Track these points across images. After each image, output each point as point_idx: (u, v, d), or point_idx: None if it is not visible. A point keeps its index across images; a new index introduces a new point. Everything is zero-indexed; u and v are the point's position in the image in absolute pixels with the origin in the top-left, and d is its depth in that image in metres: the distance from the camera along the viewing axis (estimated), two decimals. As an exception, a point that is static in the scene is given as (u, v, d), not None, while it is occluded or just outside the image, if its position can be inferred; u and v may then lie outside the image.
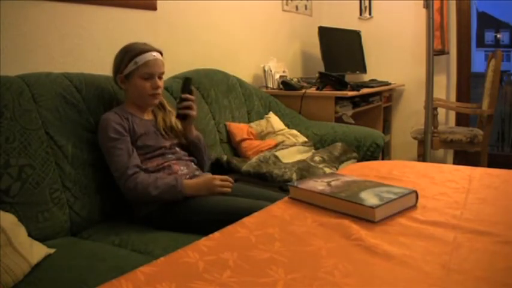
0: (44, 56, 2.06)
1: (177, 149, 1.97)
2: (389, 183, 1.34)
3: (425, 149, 3.19)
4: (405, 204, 1.23)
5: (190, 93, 1.98)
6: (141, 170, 1.78)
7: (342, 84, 3.24)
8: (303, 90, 3.31)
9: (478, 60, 7.99)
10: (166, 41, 2.66)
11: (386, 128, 4.29)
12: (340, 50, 3.98)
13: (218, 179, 1.82)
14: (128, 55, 1.86)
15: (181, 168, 1.90)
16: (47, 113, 1.74)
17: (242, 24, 3.41)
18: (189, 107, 1.96)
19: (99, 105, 1.92)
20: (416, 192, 1.26)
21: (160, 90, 1.91)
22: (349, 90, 3.21)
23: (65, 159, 1.74)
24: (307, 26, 4.17)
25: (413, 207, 1.24)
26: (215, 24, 3.13)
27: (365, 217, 1.14)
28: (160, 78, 1.90)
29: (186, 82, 1.99)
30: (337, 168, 2.45)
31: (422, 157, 3.43)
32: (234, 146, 2.70)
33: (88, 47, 2.25)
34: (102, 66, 2.17)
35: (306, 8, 4.26)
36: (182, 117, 1.96)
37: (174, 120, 2.00)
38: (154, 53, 1.87)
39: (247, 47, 3.47)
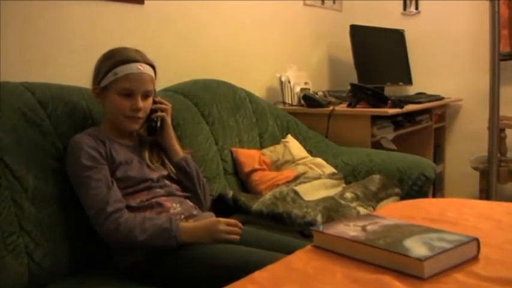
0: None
1: (167, 182, 1.99)
2: (443, 228, 1.33)
3: (490, 182, 3.18)
4: (463, 255, 1.22)
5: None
6: (125, 208, 1.80)
7: (380, 100, 3.25)
8: (331, 107, 3.32)
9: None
10: (155, 44, 2.69)
11: (438, 156, 4.28)
12: (378, 55, 4.01)
13: (223, 223, 1.82)
14: (108, 63, 1.90)
15: (175, 205, 1.92)
16: (2, 134, 1.76)
17: (253, 23, 3.45)
18: (156, 110, 2.02)
19: (69, 125, 1.95)
20: (477, 240, 1.25)
21: (142, 114, 1.92)
22: (390, 107, 3.22)
23: (24, 194, 1.75)
24: (336, 25, 4.21)
25: (474, 259, 1.23)
26: (218, 23, 3.17)
27: (411, 272, 1.13)
28: (146, 97, 1.93)
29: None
30: (374, 208, 2.44)
31: (485, 193, 3.41)
32: (242, 179, 2.70)
33: (56, 50, 2.29)
34: (75, 74, 2.20)
35: (334, 2, 4.30)
36: (153, 127, 2.00)
37: (168, 145, 2.04)
38: (141, 65, 1.90)
39: (259, 52, 3.50)
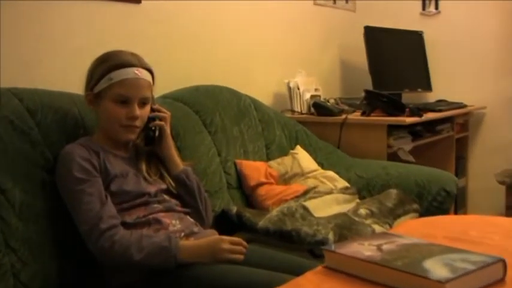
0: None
1: (166, 196, 1.99)
2: (465, 248, 1.33)
3: (517, 198, 3.17)
4: (488, 277, 1.21)
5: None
6: (120, 224, 1.80)
7: (397, 107, 3.25)
8: (343, 116, 3.32)
9: None
10: (152, 47, 2.70)
11: (461, 169, 4.26)
12: (395, 58, 4.01)
13: (227, 241, 1.82)
14: (102, 67, 1.91)
15: (174, 222, 1.92)
16: (-13, 144, 1.77)
17: (258, 24, 3.47)
18: (154, 118, 2.02)
19: (59, 135, 1.96)
20: (503, 261, 1.25)
21: (138, 122, 1.93)
22: (408, 116, 3.22)
23: (11, 209, 1.75)
24: (349, 26, 4.22)
25: (500, 282, 1.23)
26: (222, 24, 3.18)
27: (431, 296, 1.13)
28: (143, 104, 1.93)
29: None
30: (390, 226, 2.43)
31: (512, 210, 3.40)
32: (247, 193, 2.71)
33: (46, 53, 2.31)
34: (66, 79, 2.22)
35: (346, 2, 4.32)
36: (150, 136, 2.01)
37: (167, 156, 2.04)
38: (138, 70, 1.91)
39: (266, 56, 3.52)
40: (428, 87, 4.26)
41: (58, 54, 2.34)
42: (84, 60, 1.97)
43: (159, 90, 2.36)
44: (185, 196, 2.05)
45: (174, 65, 2.84)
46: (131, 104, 1.89)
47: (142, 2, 2.69)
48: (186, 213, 2.01)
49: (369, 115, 3.29)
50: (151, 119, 2.00)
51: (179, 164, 2.06)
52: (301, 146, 3.07)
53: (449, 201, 2.79)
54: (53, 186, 1.85)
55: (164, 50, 2.81)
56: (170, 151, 2.06)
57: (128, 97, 1.88)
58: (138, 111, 1.90)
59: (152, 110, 2.01)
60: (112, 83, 1.87)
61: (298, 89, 3.51)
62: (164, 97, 2.61)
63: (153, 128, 2.01)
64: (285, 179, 2.84)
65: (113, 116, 1.89)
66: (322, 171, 2.93)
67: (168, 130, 2.05)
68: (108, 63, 1.90)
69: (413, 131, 3.41)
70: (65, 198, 1.82)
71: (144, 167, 1.99)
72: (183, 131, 2.47)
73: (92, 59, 1.95)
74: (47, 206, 1.84)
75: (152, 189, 1.95)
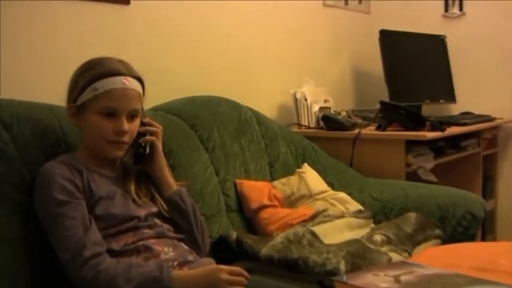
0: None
1: (157, 220, 1.99)
2: (495, 279, 1.33)
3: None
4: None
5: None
6: (105, 252, 1.79)
7: (417, 121, 3.26)
8: (356, 130, 3.33)
9: None
10: (142, 53, 2.72)
11: (489, 190, 4.25)
12: (414, 66, 4.02)
13: (226, 271, 1.81)
14: (86, 76, 1.90)
15: (166, 249, 1.91)
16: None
17: (261, 27, 3.49)
18: (145, 133, 2.02)
19: (38, 151, 1.96)
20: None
21: (127, 138, 1.92)
22: (429, 130, 3.23)
23: (-17, 235, 1.75)
24: (363, 30, 4.24)
25: (534, 317, 1.22)
26: (220, 28, 3.20)
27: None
28: (132, 118, 1.93)
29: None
30: (410, 254, 2.42)
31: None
32: (248, 217, 2.71)
33: (23, 60, 2.32)
34: (46, 89, 2.23)
35: (360, 2, 4.33)
36: (140, 154, 2.00)
37: (158, 176, 2.04)
38: (127, 79, 1.91)
39: (269, 63, 3.53)
40: (451, 98, 4.26)
41: (37, 61, 2.35)
42: (66, 68, 1.96)
43: (149, 102, 2.37)
44: (179, 220, 2.04)
45: (166, 73, 2.86)
46: (119, 117, 1.89)
47: (132, 2, 2.71)
48: (180, 240, 2.00)
49: (385, 129, 3.29)
50: (141, 134, 2.00)
51: (172, 184, 2.06)
52: (308, 164, 3.07)
53: (476, 226, 2.78)
54: (31, 209, 1.84)
55: (156, 57, 2.82)
56: (162, 170, 2.06)
57: (115, 109, 1.88)
58: (126, 125, 1.89)
59: (142, 124, 2.02)
60: (97, 94, 1.87)
61: (306, 100, 3.51)
62: (155, 109, 2.61)
63: (143, 144, 2.01)
64: (291, 201, 2.84)
65: (99, 131, 1.89)
66: (332, 192, 2.93)
67: (160, 146, 2.05)
68: (93, 72, 1.90)
69: (435, 147, 3.41)
70: (43, 222, 1.81)
71: (133, 187, 1.99)
72: (177, 148, 2.48)
73: (75, 66, 1.95)
74: (24, 231, 1.83)
75: (142, 212, 1.95)
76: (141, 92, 1.97)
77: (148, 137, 2.02)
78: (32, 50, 2.34)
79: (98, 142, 1.91)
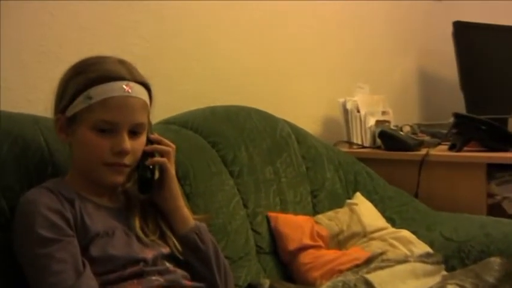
0: None
1: (169, 265, 1.97)
2: None
3: None
4: None
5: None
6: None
7: (501, 139, 3.23)
8: (423, 151, 3.32)
9: None
10: (151, 52, 2.74)
11: None
12: (499, 69, 3.99)
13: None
14: (78, 80, 1.89)
15: (180, 303, 1.90)
16: None
17: (300, 20, 3.50)
18: (153, 153, 1.98)
19: (18, 175, 1.95)
20: None
21: (129, 160, 1.90)
22: (517, 151, 3.21)
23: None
24: (432, 22, 4.24)
25: None
26: (247, 23, 3.21)
27: None
28: (135, 134, 1.91)
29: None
30: (493, 310, 2.40)
31: None
32: (284, 261, 2.70)
33: (2, 59, 2.33)
34: (30, 97, 2.22)
35: (428, -13, 4.33)
36: (147, 180, 1.96)
37: (171, 207, 2.02)
38: (129, 85, 1.88)
39: (311, 66, 3.54)
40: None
41: (17, 59, 2.36)
42: (55, 69, 1.96)
43: (160, 114, 2.37)
44: (196, 265, 2.02)
45: (181, 77, 2.87)
46: (118, 133, 1.86)
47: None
48: (197, 289, 1.99)
49: (460, 150, 3.27)
50: (147, 155, 1.97)
51: (188, 218, 2.03)
52: (362, 194, 3.07)
53: None
54: (9, 248, 1.83)
55: (167, 57, 2.83)
56: (176, 201, 2.03)
57: (113, 123, 1.86)
58: (128, 144, 1.87)
59: (149, 141, 2.00)
60: (91, 104, 1.85)
61: (358, 111, 3.51)
62: (168, 122, 2.62)
63: (150, 167, 1.98)
64: (339, 241, 2.83)
65: (93, 151, 1.87)
66: (392, 230, 2.92)
67: (172, 170, 2.03)
68: (86, 75, 1.88)
69: (526, 173, 3.38)
70: (24, 266, 1.79)
71: (137, 222, 1.97)
72: (194, 171, 2.48)
73: (66, 67, 1.94)
74: (1, 277, 1.83)
75: (149, 254, 1.93)
76: (147, 101, 1.95)
77: (157, 158, 2.00)
78: (13, 47, 2.35)
79: (92, 164, 1.89)
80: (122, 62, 1.93)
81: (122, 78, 1.88)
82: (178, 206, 2.03)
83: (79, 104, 1.86)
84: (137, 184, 1.99)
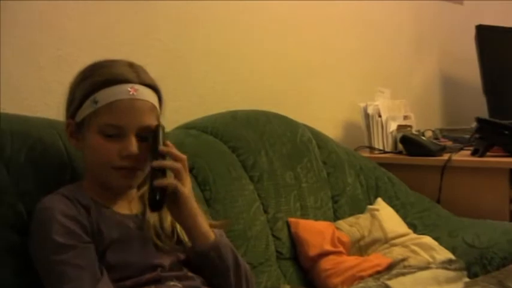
0: None
1: (186, 270, 1.97)
2: None
3: None
4: None
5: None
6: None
7: (524, 144, 3.22)
8: (445, 156, 3.31)
9: None
10: (168, 54, 2.73)
11: None
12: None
13: None
14: (85, 84, 1.88)
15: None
16: None
17: (321, 23, 3.50)
18: (163, 169, 1.86)
19: (37, 180, 1.95)
20: None
21: (139, 164, 1.87)
22: (542, 156, 3.18)
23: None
24: (454, 25, 4.22)
25: None
26: (268, 25, 3.21)
27: None
28: (144, 139, 1.88)
29: (156, 133, 1.91)
30: (517, 319, 2.38)
31: None
32: (305, 267, 2.70)
33: (16, 61, 2.33)
34: (47, 100, 2.22)
35: (451, -10, 4.31)
36: (157, 201, 1.83)
37: (189, 224, 1.94)
38: (134, 87, 1.87)
39: (332, 69, 3.54)
40: None
41: (34, 63, 2.36)
42: (73, 72, 1.94)
43: (179, 118, 2.36)
44: (213, 277, 1.98)
45: (200, 81, 2.86)
46: (126, 136, 1.84)
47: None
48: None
49: (483, 155, 3.26)
50: (156, 172, 1.85)
51: (208, 233, 1.94)
52: (383, 200, 3.07)
53: None
54: (26, 254, 1.82)
55: (187, 60, 2.82)
56: (193, 218, 1.92)
57: (119, 127, 1.84)
58: (135, 147, 1.84)
59: (159, 154, 1.88)
60: (98, 108, 1.84)
61: (380, 116, 3.51)
62: (187, 127, 2.61)
63: (158, 189, 1.82)
64: (360, 247, 2.82)
65: (101, 155, 1.86)
66: (414, 236, 2.91)
67: (186, 189, 1.90)
68: (93, 79, 1.87)
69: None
70: (40, 272, 1.79)
71: (154, 228, 1.95)
72: (214, 177, 2.47)
73: (75, 71, 1.94)
74: (18, 282, 1.82)
75: (166, 260, 1.92)
76: (156, 104, 1.93)
77: (164, 181, 1.85)
78: (29, 49, 2.36)
79: (101, 169, 1.88)
80: (130, 65, 1.91)
81: (127, 81, 1.86)
82: (196, 223, 1.92)
83: (86, 109, 1.86)
84: (147, 202, 1.88)
